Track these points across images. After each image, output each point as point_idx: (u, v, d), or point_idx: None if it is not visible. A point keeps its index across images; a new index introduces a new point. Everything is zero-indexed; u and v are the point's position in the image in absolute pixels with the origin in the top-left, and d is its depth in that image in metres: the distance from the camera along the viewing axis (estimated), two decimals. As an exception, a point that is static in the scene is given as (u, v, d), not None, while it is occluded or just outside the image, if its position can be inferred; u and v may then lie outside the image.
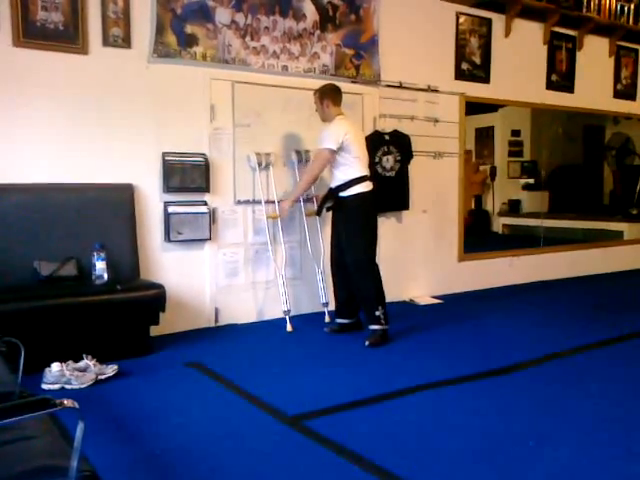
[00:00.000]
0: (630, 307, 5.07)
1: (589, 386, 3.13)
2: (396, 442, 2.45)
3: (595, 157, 8.46)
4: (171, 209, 3.98)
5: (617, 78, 6.73)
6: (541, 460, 2.29)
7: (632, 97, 6.90)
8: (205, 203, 4.14)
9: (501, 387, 3.11)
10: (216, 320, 4.28)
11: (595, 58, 6.49)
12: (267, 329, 4.27)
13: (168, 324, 3.91)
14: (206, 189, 4.14)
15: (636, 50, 6.87)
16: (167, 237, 4.01)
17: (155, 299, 3.51)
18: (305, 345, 3.91)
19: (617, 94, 6.76)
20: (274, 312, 4.43)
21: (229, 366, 3.40)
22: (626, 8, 6.53)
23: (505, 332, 4.18)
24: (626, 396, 2.98)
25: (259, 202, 4.37)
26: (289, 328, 4.19)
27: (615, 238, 7.32)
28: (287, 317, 4.23)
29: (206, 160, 4.12)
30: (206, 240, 4.16)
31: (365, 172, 3.94)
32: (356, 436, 2.49)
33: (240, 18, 4.28)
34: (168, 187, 3.99)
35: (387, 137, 4.97)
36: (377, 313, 3.81)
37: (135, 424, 2.65)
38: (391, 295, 5.04)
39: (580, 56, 6.32)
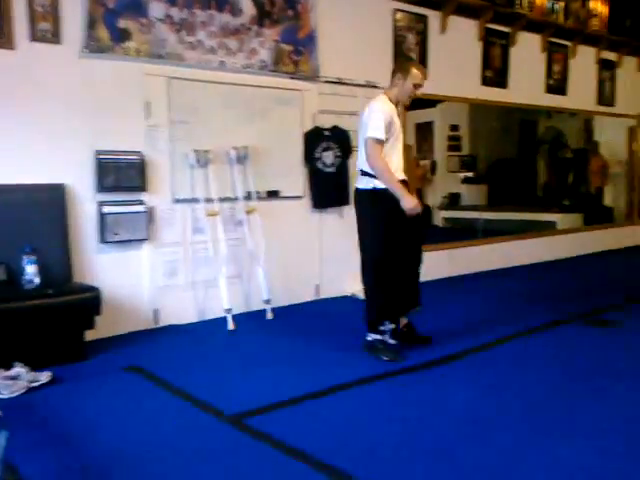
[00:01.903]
0: (562, 294, 5.26)
1: (527, 372, 3.25)
2: (338, 436, 2.48)
3: (530, 151, 8.74)
4: (106, 209, 3.88)
5: (549, 73, 6.96)
6: (482, 446, 2.37)
7: (563, 92, 7.14)
8: (142, 202, 4.05)
9: (443, 377, 3.19)
10: (156, 321, 4.20)
11: (528, 54, 6.68)
12: (208, 328, 4.23)
13: (106, 327, 3.82)
14: (142, 188, 4.05)
15: (566, 46, 7.11)
16: (102, 238, 3.90)
17: (89, 302, 3.42)
18: (247, 343, 3.89)
19: (549, 89, 6.99)
20: (216, 311, 4.38)
21: (169, 368, 3.36)
22: (556, 6, 6.75)
23: (443, 323, 4.25)
24: (563, 380, 3.11)
25: (198, 200, 4.31)
26: (231, 326, 4.16)
27: (548, 228, 7.59)
28: (228, 315, 4.21)
29: (142, 158, 4.03)
30: (144, 240, 4.08)
31: None
32: (297, 432, 2.51)
33: (175, 12, 4.20)
34: (102, 186, 3.89)
35: (327, 133, 4.99)
36: None
37: (71, 432, 2.58)
38: (334, 290, 5.11)
39: (513, 52, 6.49)
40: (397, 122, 3.47)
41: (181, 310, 4.31)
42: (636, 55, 8.08)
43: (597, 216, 8.15)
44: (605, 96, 7.75)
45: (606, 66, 7.70)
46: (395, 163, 3.46)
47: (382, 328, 3.42)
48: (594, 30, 7.20)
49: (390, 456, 2.31)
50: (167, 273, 4.24)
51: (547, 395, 2.92)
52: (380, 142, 3.35)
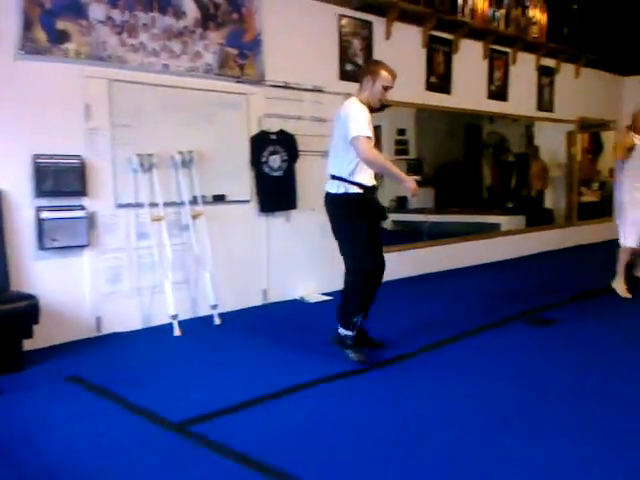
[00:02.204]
0: (506, 294, 5.38)
1: (475, 371, 3.32)
2: (287, 441, 2.48)
3: (475, 154, 8.95)
4: (44, 214, 3.77)
5: (490, 80, 7.14)
6: (435, 443, 2.41)
7: (504, 97, 7.33)
8: (82, 207, 3.95)
9: (393, 377, 3.23)
10: (98, 329, 4.10)
11: (470, 61, 6.83)
12: (154, 335, 4.15)
13: (46, 336, 3.70)
14: (83, 192, 3.95)
15: (506, 53, 7.31)
16: (40, 244, 3.79)
17: (26, 311, 3.31)
18: (193, 349, 3.84)
19: (491, 95, 7.16)
20: (162, 317, 4.30)
21: (112, 377, 3.28)
22: (497, 13, 6.95)
23: (392, 324, 4.30)
24: (509, 378, 3.20)
25: (142, 205, 4.23)
26: (177, 332, 4.10)
27: (493, 230, 7.78)
28: (175, 322, 4.14)
29: (82, 162, 3.93)
30: (85, 246, 3.97)
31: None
32: (245, 438, 2.49)
33: (116, 14, 4.12)
34: (40, 191, 3.77)
35: (274, 137, 4.98)
36: None
37: (8, 443, 2.50)
38: (282, 294, 5.10)
39: (456, 59, 6.63)
40: (371, 127, 3.39)
41: (125, 317, 4.22)
42: (574, 62, 8.37)
43: (538, 218, 8.40)
44: (544, 102, 8.00)
45: (545, 73, 7.96)
46: (368, 169, 3.42)
47: (354, 320, 3.42)
48: (534, 38, 7.44)
49: (341, 459, 2.32)
50: (110, 279, 4.14)
51: (494, 393, 2.99)
52: (369, 138, 3.28)
